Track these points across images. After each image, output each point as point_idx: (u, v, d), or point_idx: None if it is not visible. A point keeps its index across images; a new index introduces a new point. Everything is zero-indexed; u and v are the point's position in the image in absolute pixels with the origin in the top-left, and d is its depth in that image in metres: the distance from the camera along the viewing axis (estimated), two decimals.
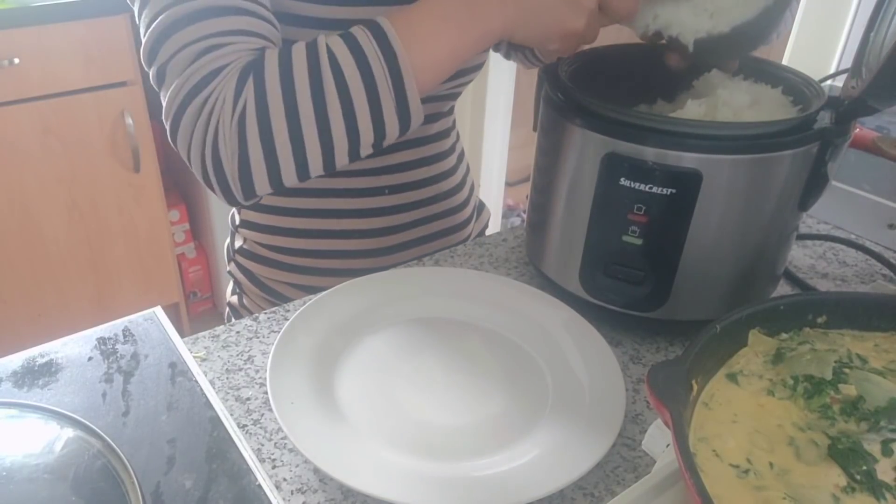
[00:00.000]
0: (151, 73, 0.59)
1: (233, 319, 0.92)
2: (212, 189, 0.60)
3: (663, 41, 0.65)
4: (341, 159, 0.59)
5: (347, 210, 0.80)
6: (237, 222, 0.87)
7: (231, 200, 0.60)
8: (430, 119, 0.81)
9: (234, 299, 0.93)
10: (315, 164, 0.58)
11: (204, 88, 0.56)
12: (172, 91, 0.57)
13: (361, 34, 0.57)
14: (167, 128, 0.58)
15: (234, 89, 0.55)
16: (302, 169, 0.58)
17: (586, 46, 0.66)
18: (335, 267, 0.83)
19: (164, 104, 0.58)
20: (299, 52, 0.56)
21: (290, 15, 0.66)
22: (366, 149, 0.59)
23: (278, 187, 0.59)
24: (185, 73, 0.56)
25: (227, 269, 0.92)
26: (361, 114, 0.57)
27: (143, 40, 0.58)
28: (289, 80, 0.55)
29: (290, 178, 0.59)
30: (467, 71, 0.79)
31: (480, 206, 1.00)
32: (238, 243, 0.88)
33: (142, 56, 0.59)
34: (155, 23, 0.56)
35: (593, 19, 0.61)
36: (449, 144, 0.87)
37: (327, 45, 0.56)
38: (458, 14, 0.58)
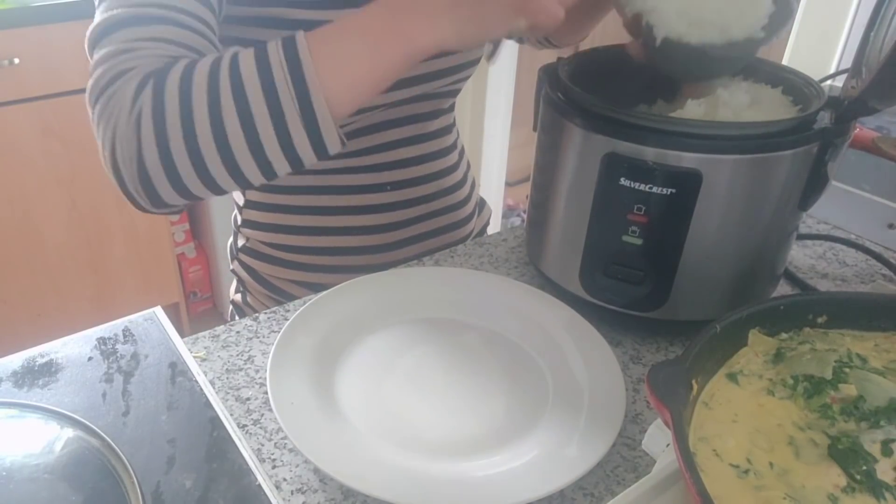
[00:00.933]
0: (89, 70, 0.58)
1: (236, 318, 0.93)
2: (126, 197, 0.57)
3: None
4: (252, 175, 0.55)
5: (349, 207, 0.81)
6: (239, 221, 0.87)
7: (139, 207, 0.57)
8: (430, 116, 0.82)
9: (238, 297, 0.93)
10: (222, 178, 0.54)
11: (109, 87, 0.54)
12: (90, 86, 0.56)
13: (272, 44, 0.53)
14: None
15: (133, 89, 0.53)
16: (208, 182, 0.54)
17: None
18: (337, 263, 0.83)
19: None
20: (206, 60, 0.53)
21: (277, 19, 0.66)
22: (279, 164, 0.54)
23: (189, 196, 0.56)
24: (96, 73, 0.55)
25: (231, 267, 0.92)
26: (262, 124, 0.52)
27: (88, 31, 0.57)
28: (187, 84, 0.52)
29: (198, 189, 0.55)
30: (464, 66, 0.79)
31: (482, 204, 1.00)
32: (241, 242, 0.88)
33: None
34: (99, 21, 0.56)
35: None
36: (450, 141, 0.87)
37: (234, 53, 0.53)
38: (378, 29, 0.54)
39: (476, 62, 0.82)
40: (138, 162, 0.53)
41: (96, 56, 0.56)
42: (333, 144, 0.55)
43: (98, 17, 0.57)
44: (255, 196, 0.83)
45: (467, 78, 0.83)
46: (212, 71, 0.52)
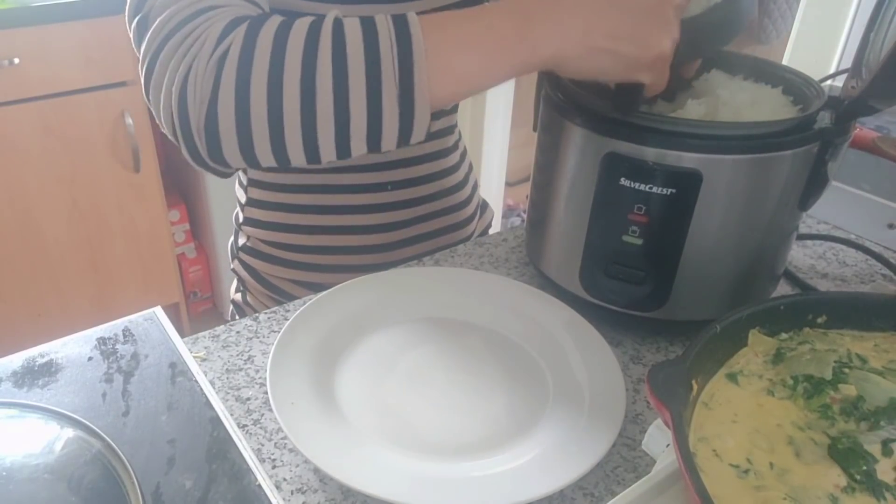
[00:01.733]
0: (134, 25, 0.54)
1: (237, 317, 0.93)
2: (176, 141, 0.53)
3: None
4: (326, 144, 0.51)
5: (350, 206, 0.81)
6: (240, 220, 0.87)
7: (196, 158, 0.53)
8: (433, 116, 0.81)
9: (238, 297, 0.93)
10: (293, 144, 0.51)
11: (190, 21, 0.51)
12: (155, 29, 0.52)
13: (381, 16, 0.50)
14: (142, 74, 0.53)
15: (222, 27, 0.50)
16: (277, 141, 0.51)
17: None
18: (338, 263, 0.83)
19: (142, 50, 0.53)
20: (306, 18, 0.50)
21: (286, 11, 0.66)
22: (357, 142, 0.51)
23: (250, 158, 0.52)
24: (171, 10, 0.52)
25: (231, 266, 0.92)
26: (356, 93, 0.49)
27: (156, 21, 0.54)
28: (284, 34, 0.49)
29: (263, 149, 0.51)
30: None
31: (484, 205, 1.00)
32: (241, 241, 0.88)
33: (126, 12, 0.55)
34: (175, 6, 0.53)
35: (676, 37, 0.52)
36: (452, 141, 0.87)
37: (337, 16, 0.50)
38: (505, 29, 0.50)
39: None
40: (210, 105, 0.49)
41: (155, 4, 0.52)
42: (420, 134, 0.52)
43: None
44: (256, 194, 0.83)
45: None
46: (312, 27, 0.49)
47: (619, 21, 0.51)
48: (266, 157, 0.52)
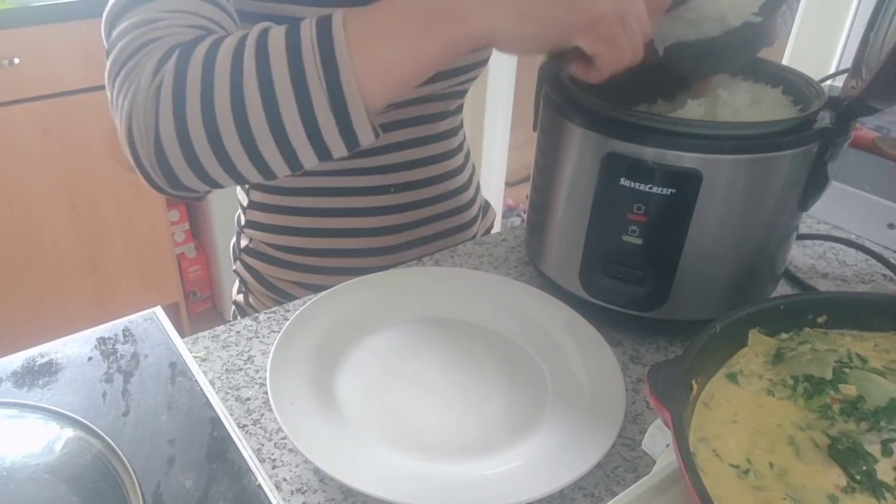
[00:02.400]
0: (106, 55, 0.56)
1: (238, 318, 0.93)
2: (142, 176, 0.54)
3: None
4: (273, 159, 0.51)
5: (353, 208, 0.80)
6: (243, 222, 0.87)
7: (155, 187, 0.54)
8: (437, 117, 0.82)
9: (240, 298, 0.93)
10: (241, 163, 0.50)
11: (132, 59, 0.52)
12: (108, 66, 0.54)
13: (306, 22, 0.50)
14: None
15: (157, 60, 0.50)
16: (227, 165, 0.50)
17: None
18: (341, 265, 0.83)
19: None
20: (236, 33, 0.50)
21: (281, 17, 0.66)
22: (304, 153, 0.51)
23: (209, 181, 0.52)
24: (119, 45, 0.53)
25: (233, 268, 0.92)
26: (285, 102, 0.48)
27: (104, 15, 0.56)
28: (212, 55, 0.49)
29: (217, 174, 0.51)
30: (471, 67, 0.79)
31: (486, 206, 1.00)
32: (244, 242, 0.88)
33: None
34: (122, 42, 0.54)
35: (629, 5, 0.50)
36: (456, 143, 0.87)
37: (264, 27, 0.50)
38: (429, 8, 0.49)
39: (484, 62, 0.82)
40: (155, 136, 0.50)
41: (116, 31, 0.54)
42: (365, 134, 0.51)
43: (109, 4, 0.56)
44: (258, 197, 0.83)
45: (474, 79, 0.82)
46: (238, 43, 0.49)
47: None
48: (223, 178, 0.52)
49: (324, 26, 0.49)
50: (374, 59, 0.49)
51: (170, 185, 0.53)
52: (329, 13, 0.51)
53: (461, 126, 0.89)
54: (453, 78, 0.78)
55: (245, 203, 0.86)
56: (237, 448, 0.49)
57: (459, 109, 0.87)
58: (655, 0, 0.53)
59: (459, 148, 0.88)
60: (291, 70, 0.48)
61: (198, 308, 2.29)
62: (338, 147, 0.51)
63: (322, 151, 0.51)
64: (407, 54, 0.50)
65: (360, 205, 0.80)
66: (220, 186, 0.54)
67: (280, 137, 0.50)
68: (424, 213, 0.84)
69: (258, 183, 0.82)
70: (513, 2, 0.49)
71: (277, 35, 0.50)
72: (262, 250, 0.86)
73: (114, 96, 0.53)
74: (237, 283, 0.94)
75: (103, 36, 0.57)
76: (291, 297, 0.85)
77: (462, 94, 0.83)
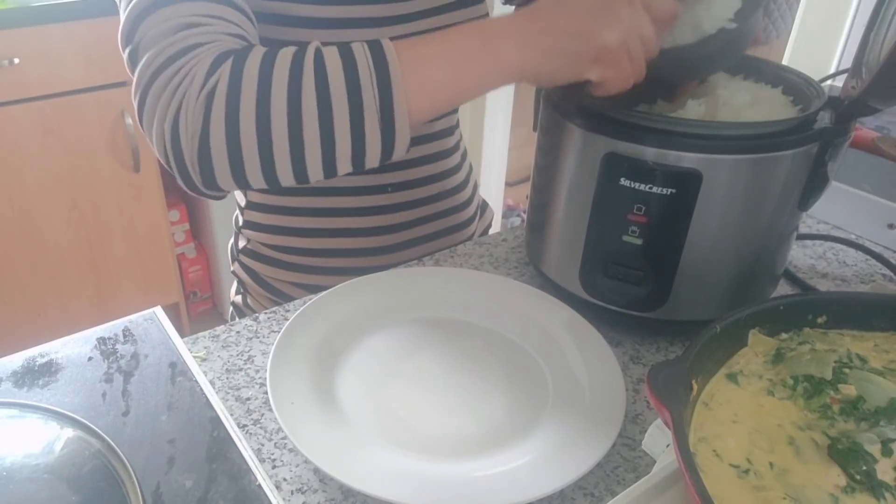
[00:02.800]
0: (126, 54, 0.57)
1: (236, 319, 0.93)
2: (171, 171, 0.56)
3: None
4: (314, 167, 0.54)
5: (350, 208, 0.80)
6: (241, 223, 0.87)
7: (190, 186, 0.56)
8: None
9: (238, 299, 0.93)
10: (283, 168, 0.54)
11: (178, 59, 0.53)
12: (145, 63, 0.54)
13: (357, 44, 0.54)
14: (135, 103, 0.56)
15: (208, 65, 0.53)
16: (268, 167, 0.54)
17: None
18: (339, 265, 0.83)
19: (134, 80, 0.56)
20: (288, 49, 0.54)
21: (281, 16, 0.66)
22: (343, 163, 0.55)
23: (243, 183, 0.55)
24: (159, 45, 0.54)
25: (231, 269, 0.92)
26: (340, 120, 0.52)
27: (122, 21, 0.57)
28: (268, 68, 0.52)
29: (255, 175, 0.54)
30: None
31: (483, 206, 1.00)
32: (242, 243, 0.88)
33: (119, 38, 0.57)
34: (133, 3, 0.56)
35: (632, 33, 0.53)
36: (453, 142, 0.87)
37: (317, 46, 0.54)
38: (470, 43, 0.54)
39: None
40: (202, 138, 0.53)
41: (145, 28, 0.55)
42: (401, 151, 0.55)
43: (127, 4, 0.56)
44: (256, 197, 0.83)
45: None
46: (295, 58, 0.52)
47: (569, 19, 0.54)
48: (258, 181, 0.55)
49: (376, 48, 0.53)
50: (422, 85, 0.54)
51: (205, 184, 0.56)
52: (377, 39, 0.54)
53: (457, 125, 0.89)
54: None
55: (243, 204, 0.86)
56: (237, 448, 0.49)
57: (456, 109, 0.87)
58: (662, 18, 0.56)
59: (456, 147, 0.88)
60: (349, 88, 0.52)
61: (198, 308, 2.29)
62: (373, 159, 0.55)
63: (358, 163, 0.55)
64: (450, 82, 0.55)
65: (356, 204, 0.80)
66: (249, 188, 0.57)
67: (327, 149, 0.53)
68: (421, 212, 0.84)
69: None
70: (539, 42, 0.54)
71: (332, 53, 0.53)
72: (259, 251, 0.86)
73: (150, 97, 0.54)
74: (235, 284, 0.94)
75: (123, 31, 0.57)
76: (289, 298, 0.85)
77: None
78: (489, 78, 0.55)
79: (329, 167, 0.55)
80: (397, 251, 0.84)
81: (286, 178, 0.55)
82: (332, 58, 0.53)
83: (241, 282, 0.91)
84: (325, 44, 0.55)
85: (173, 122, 0.53)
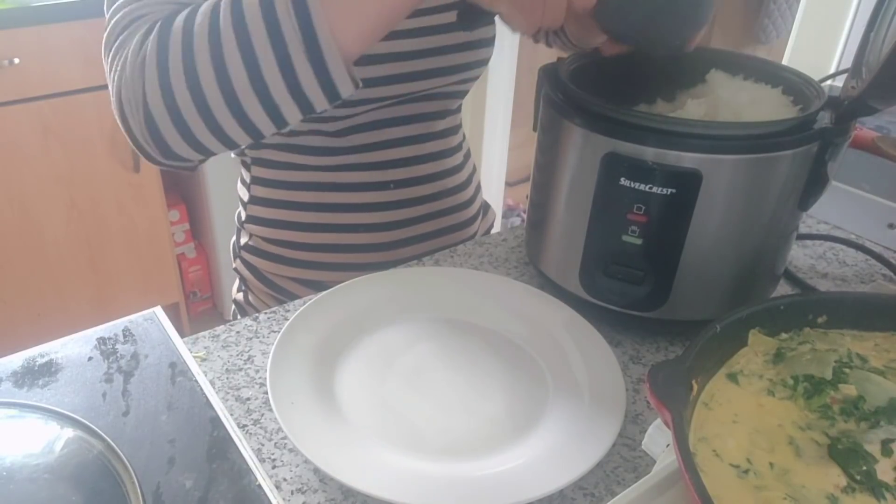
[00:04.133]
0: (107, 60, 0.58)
1: (238, 317, 0.93)
2: (136, 150, 0.57)
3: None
4: (258, 117, 0.52)
5: (352, 204, 0.81)
6: (243, 218, 0.88)
7: (150, 159, 0.56)
8: (438, 115, 0.82)
9: (240, 296, 0.93)
10: (228, 124, 0.52)
11: (119, 38, 0.55)
12: (103, 50, 0.57)
13: None
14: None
15: (141, 34, 0.53)
16: (215, 129, 0.52)
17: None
18: (341, 261, 0.83)
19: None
20: (210, 1, 0.52)
21: None
22: (287, 108, 0.52)
23: (200, 148, 0.54)
24: (108, 29, 0.57)
25: (233, 266, 0.92)
26: (265, 59, 0.49)
27: (105, 35, 0.58)
28: (190, 22, 0.51)
29: (205, 136, 0.53)
30: (471, 66, 0.80)
31: (486, 207, 1.00)
32: (244, 240, 0.89)
33: (102, 50, 0.58)
34: (114, 20, 0.57)
35: None
36: (456, 142, 0.87)
37: None
38: None
39: (485, 62, 0.82)
40: (144, 107, 0.52)
41: (110, 13, 0.57)
42: (344, 84, 0.52)
43: (109, 13, 0.59)
44: (259, 192, 0.84)
45: (475, 78, 0.83)
46: (214, 6, 0.51)
47: None
48: (212, 143, 0.54)
49: None
50: (345, 7, 0.50)
51: (162, 154, 0.55)
52: None
53: (461, 125, 0.90)
54: (454, 75, 0.78)
55: (245, 199, 0.86)
56: (237, 448, 0.49)
57: (459, 108, 0.87)
58: None
59: (459, 147, 0.88)
60: (267, 25, 0.49)
61: (198, 308, 2.29)
62: (319, 99, 0.52)
63: (304, 105, 0.52)
64: (375, 1, 0.51)
65: (359, 200, 0.81)
66: (210, 153, 0.56)
67: (262, 93, 0.51)
68: (423, 209, 0.84)
69: (259, 178, 0.83)
70: None
71: None
72: (261, 247, 0.86)
73: (107, 73, 0.56)
74: (237, 281, 0.94)
75: (103, 51, 0.59)
76: (291, 295, 0.85)
77: (463, 93, 0.84)
78: None
79: (275, 115, 0.52)
80: (398, 248, 0.84)
81: (237, 134, 0.53)
82: None
83: (242, 279, 0.91)
84: None
85: (118, 99, 0.54)
